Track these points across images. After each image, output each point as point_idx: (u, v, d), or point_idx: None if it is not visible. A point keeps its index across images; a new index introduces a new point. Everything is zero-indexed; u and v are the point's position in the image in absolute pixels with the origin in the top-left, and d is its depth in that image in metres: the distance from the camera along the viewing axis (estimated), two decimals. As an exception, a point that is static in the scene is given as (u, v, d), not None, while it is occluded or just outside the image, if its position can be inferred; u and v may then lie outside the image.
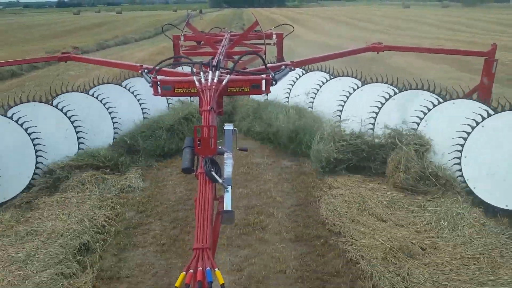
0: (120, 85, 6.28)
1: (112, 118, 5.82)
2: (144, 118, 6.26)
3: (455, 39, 18.49)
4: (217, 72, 3.20)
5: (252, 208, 4.44)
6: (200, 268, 1.72)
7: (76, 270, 3.45)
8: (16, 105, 5.11)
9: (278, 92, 6.59)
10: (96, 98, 5.76)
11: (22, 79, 12.27)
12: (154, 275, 3.45)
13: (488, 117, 4.35)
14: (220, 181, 2.21)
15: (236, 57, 5.46)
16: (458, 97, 4.92)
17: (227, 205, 2.17)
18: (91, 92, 5.86)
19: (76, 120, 5.40)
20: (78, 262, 3.55)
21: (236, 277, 3.37)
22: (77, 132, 5.37)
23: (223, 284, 1.62)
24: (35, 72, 13.06)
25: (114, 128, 5.85)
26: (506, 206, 4.12)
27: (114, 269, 3.53)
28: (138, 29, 30.47)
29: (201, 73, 3.20)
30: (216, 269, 1.69)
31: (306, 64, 6.00)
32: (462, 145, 4.41)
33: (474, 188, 4.30)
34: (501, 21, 28.20)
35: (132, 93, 6.26)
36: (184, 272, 1.68)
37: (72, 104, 5.48)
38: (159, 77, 3.56)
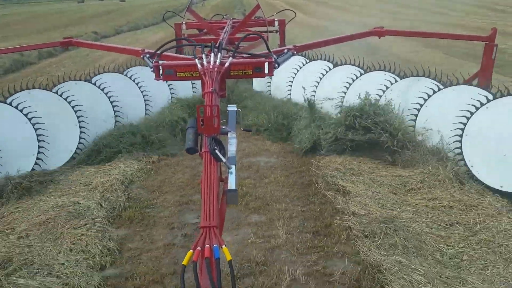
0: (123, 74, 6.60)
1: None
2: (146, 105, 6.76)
3: (434, 21, 20.54)
4: (219, 54, 3.13)
5: (252, 126, 6.86)
6: (207, 246, 1.71)
7: (147, 152, 5.90)
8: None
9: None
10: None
11: (59, 58, 14.69)
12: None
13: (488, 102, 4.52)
14: (224, 160, 2.22)
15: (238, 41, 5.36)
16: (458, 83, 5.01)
17: (231, 184, 2.21)
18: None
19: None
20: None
21: (239, 154, 5.79)
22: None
23: (231, 260, 1.64)
24: (68, 52, 15.43)
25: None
26: (472, 167, 4.50)
27: (169, 153, 5.98)
28: (146, 15, 32.60)
29: (203, 55, 3.11)
30: (224, 246, 1.69)
31: (308, 49, 5.96)
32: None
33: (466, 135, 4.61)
34: (484, 4, 30.09)
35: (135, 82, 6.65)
36: (191, 250, 1.67)
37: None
38: (160, 61, 3.55)
